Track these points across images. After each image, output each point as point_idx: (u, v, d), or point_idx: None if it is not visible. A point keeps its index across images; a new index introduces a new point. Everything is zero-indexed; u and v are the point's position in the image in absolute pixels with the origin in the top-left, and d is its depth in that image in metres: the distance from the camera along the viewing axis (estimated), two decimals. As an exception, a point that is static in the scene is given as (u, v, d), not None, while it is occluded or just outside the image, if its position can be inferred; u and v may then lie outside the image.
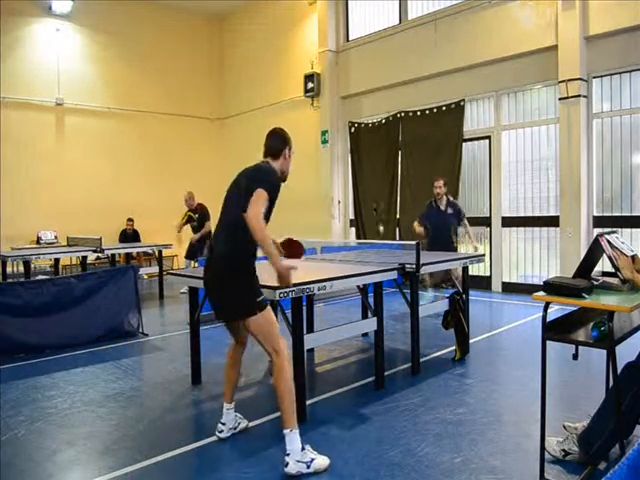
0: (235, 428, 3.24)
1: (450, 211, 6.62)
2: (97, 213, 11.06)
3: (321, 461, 2.75)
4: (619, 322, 2.58)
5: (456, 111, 8.64)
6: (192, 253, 9.08)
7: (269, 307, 2.91)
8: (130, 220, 11.25)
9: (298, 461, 2.70)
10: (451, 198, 6.80)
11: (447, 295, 4.79)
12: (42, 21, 10.85)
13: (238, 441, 3.15)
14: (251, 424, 3.36)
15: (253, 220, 2.64)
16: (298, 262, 3.38)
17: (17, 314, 5.09)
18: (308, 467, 2.69)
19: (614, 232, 2.76)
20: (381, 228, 9.24)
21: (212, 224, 9.49)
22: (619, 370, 2.48)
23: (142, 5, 12.01)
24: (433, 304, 4.76)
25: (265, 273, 2.97)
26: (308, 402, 3.54)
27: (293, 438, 2.73)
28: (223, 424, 3.18)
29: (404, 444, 3.03)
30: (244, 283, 2.86)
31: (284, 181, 3.06)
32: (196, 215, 9.01)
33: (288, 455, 2.71)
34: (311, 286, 3.36)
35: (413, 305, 4.32)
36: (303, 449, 2.74)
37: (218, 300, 2.97)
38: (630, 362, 2.65)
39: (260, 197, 2.71)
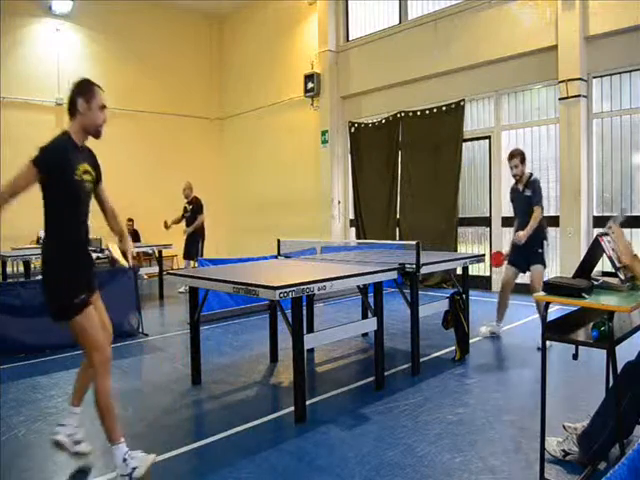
0: (71, 436, 2.86)
1: (528, 193, 5.55)
2: (96, 213, 10.94)
3: (140, 463, 2.61)
4: (619, 322, 2.58)
5: (456, 111, 8.64)
6: (188, 253, 9.09)
7: (86, 310, 2.61)
8: (130, 220, 11.22)
9: (122, 475, 2.60)
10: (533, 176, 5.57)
11: (447, 295, 4.79)
12: (42, 21, 10.85)
13: (238, 441, 3.15)
14: (251, 424, 3.36)
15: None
16: (298, 263, 3.37)
17: (17, 314, 5.09)
18: (131, 478, 2.58)
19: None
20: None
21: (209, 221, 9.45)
22: (619, 370, 2.48)
23: (142, 5, 12.01)
24: (433, 304, 4.74)
25: (267, 274, 2.97)
26: (308, 402, 3.54)
27: (116, 452, 2.62)
28: (62, 426, 2.88)
29: (404, 444, 3.03)
30: (57, 281, 2.63)
31: (98, 136, 2.72)
32: (190, 206, 9.04)
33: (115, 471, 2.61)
34: (311, 286, 3.36)
35: (413, 305, 4.33)
36: (125, 460, 2.60)
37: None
38: (630, 361, 2.65)
39: (21, 170, 2.60)
